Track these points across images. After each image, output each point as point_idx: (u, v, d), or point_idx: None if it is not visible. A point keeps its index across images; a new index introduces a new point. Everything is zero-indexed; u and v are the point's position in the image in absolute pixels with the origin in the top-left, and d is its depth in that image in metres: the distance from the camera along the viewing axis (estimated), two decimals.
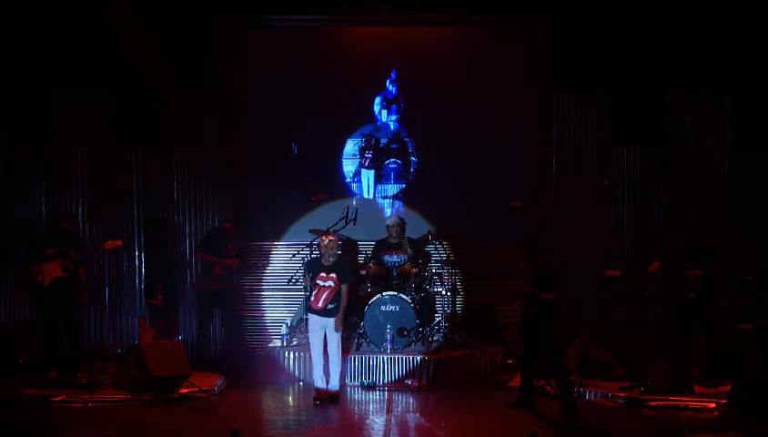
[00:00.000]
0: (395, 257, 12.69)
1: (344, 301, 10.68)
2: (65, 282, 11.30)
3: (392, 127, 14.23)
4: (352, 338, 12.17)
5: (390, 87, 14.13)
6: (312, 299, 10.66)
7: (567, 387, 10.18)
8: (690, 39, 12.40)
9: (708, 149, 12.78)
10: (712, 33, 12.34)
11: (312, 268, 10.77)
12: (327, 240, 10.66)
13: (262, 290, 13.59)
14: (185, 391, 10.73)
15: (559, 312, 10.24)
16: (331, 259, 10.67)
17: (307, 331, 11.06)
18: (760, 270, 11.60)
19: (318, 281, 10.61)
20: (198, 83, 13.15)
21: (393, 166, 14.24)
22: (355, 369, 11.71)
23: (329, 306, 10.62)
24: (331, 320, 10.63)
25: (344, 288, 10.66)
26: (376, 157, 14.14)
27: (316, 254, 11.34)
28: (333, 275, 10.62)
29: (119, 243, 11.80)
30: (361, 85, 13.98)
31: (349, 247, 13.19)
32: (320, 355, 10.72)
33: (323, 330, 10.68)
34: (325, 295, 10.61)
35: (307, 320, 11.15)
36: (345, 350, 11.14)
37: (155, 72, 12.71)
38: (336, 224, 12.23)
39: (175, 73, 12.88)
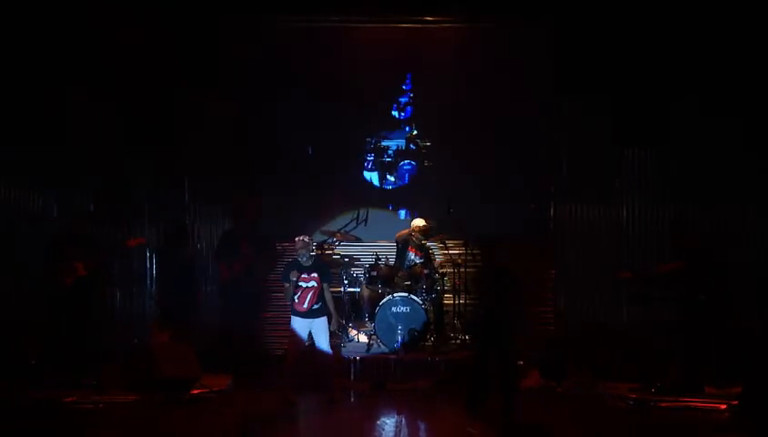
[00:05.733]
0: (417, 257, 12.70)
1: (331, 301, 10.70)
2: (85, 282, 11.34)
3: (407, 128, 14.26)
4: (337, 336, 12.14)
5: (405, 89, 14.15)
6: (296, 301, 10.58)
7: (511, 389, 9.91)
8: (697, 38, 12.33)
9: (717, 149, 12.70)
10: (717, 33, 12.26)
11: (292, 271, 10.62)
12: (299, 241, 10.57)
13: (275, 291, 13.57)
14: (196, 391, 10.78)
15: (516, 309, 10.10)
16: (308, 260, 10.63)
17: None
18: None
19: (300, 283, 10.54)
20: (211, 83, 13.17)
21: (407, 167, 14.26)
22: (366, 370, 11.73)
23: (315, 306, 10.59)
24: (317, 321, 10.61)
25: (326, 286, 10.65)
26: (378, 160, 14.16)
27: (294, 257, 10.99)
28: (314, 275, 10.58)
29: (143, 240, 11.86)
30: (375, 86, 13.99)
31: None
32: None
33: (307, 332, 10.65)
34: (309, 296, 10.56)
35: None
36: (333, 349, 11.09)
37: (166, 73, 12.78)
38: (347, 225, 12.22)
39: (187, 73, 12.93)
